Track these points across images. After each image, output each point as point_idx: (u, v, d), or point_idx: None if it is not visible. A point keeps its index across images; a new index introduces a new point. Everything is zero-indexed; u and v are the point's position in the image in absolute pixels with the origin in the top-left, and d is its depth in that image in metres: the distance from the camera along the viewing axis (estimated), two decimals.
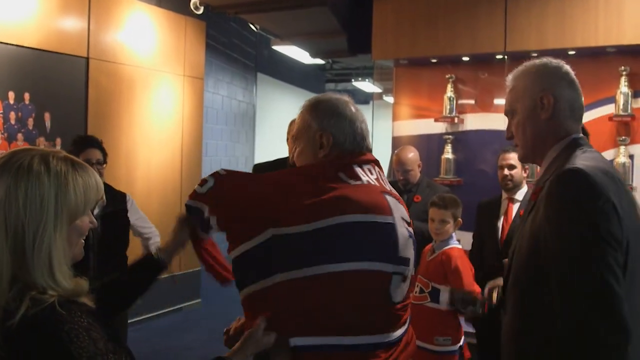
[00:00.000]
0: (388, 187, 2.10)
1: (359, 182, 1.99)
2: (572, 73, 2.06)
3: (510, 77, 2.14)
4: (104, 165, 4.14)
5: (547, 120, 2.00)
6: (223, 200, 2.00)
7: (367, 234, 1.90)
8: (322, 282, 1.85)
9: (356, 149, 2.07)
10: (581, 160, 1.85)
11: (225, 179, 2.04)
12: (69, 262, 1.55)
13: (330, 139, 2.05)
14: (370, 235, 1.90)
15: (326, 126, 2.06)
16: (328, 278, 1.85)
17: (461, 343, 3.84)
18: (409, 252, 2.01)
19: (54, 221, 1.49)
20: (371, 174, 2.06)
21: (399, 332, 1.99)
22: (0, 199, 1.48)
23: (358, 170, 2.02)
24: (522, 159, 2.14)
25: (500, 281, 2.35)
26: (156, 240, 4.62)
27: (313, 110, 2.11)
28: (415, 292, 3.82)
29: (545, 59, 2.09)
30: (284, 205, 1.92)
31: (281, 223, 1.89)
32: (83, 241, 1.63)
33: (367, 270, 1.89)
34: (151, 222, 4.63)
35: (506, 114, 2.13)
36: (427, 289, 3.80)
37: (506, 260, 2.35)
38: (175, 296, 7.51)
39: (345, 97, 2.16)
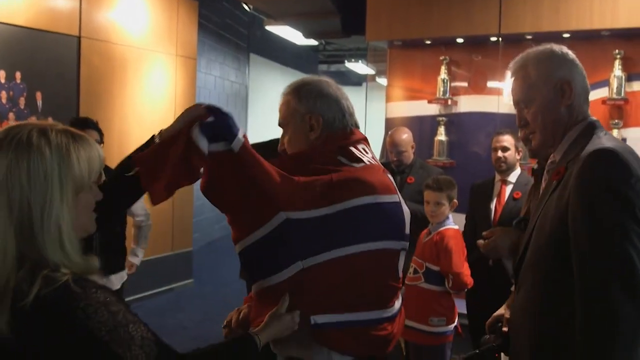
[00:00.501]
0: (381, 165, 2.15)
1: (362, 164, 2.02)
2: (575, 57, 2.07)
3: (515, 66, 2.10)
4: (101, 145, 4.19)
5: (567, 107, 1.99)
6: (229, 181, 1.91)
7: (379, 215, 1.96)
8: (341, 264, 1.89)
9: (346, 127, 2.09)
10: (607, 141, 1.86)
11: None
12: (78, 234, 1.51)
13: (319, 119, 2.06)
14: (382, 215, 1.97)
15: (313, 108, 2.07)
16: (347, 260, 1.90)
17: (456, 323, 3.86)
18: (409, 228, 2.10)
19: (59, 194, 1.45)
20: (367, 152, 2.09)
21: (398, 304, 2.08)
22: (3, 176, 1.43)
23: (355, 151, 2.05)
24: (541, 146, 2.07)
25: (502, 311, 2.36)
26: (148, 224, 4.71)
27: (297, 94, 2.11)
28: (410, 273, 3.83)
29: (548, 46, 2.08)
30: (294, 188, 1.90)
31: (293, 207, 1.87)
32: (94, 212, 1.58)
33: (381, 250, 1.96)
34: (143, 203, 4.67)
35: (517, 104, 2.09)
36: (422, 269, 3.81)
37: (480, 242, 2.37)
38: (167, 276, 7.52)
39: (326, 78, 2.18)
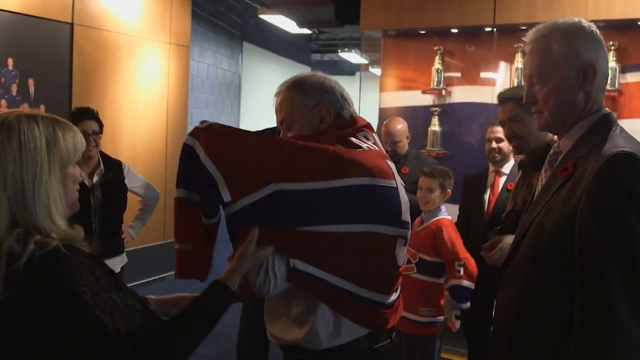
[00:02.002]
0: (384, 151, 2.15)
1: (359, 150, 2.01)
2: (602, 39, 1.88)
3: (536, 34, 1.90)
4: (100, 136, 4.29)
5: (586, 93, 1.83)
6: (222, 148, 1.93)
7: (373, 198, 1.93)
8: (328, 239, 1.88)
9: (352, 115, 2.13)
10: (625, 142, 1.73)
11: (220, 128, 1.98)
12: (65, 205, 1.65)
13: (330, 110, 2.08)
14: (377, 198, 1.93)
15: (321, 100, 2.08)
16: (335, 237, 1.89)
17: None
18: (408, 216, 2.06)
19: (48, 166, 1.60)
20: (368, 139, 2.09)
21: (394, 296, 2.06)
22: None
23: (354, 140, 2.05)
24: (544, 128, 1.95)
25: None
26: (154, 195, 4.77)
27: (300, 89, 2.11)
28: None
29: (576, 19, 1.88)
30: (289, 161, 1.90)
31: (286, 178, 1.87)
32: (77, 192, 1.72)
33: (373, 233, 1.93)
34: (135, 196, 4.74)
35: (528, 77, 1.92)
36: (415, 259, 3.82)
37: (483, 254, 2.26)
38: (160, 265, 7.51)
39: (320, 73, 2.19)
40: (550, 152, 1.96)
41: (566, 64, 1.82)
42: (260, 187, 1.86)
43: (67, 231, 1.60)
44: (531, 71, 1.90)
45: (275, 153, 1.91)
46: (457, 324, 3.80)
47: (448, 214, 3.96)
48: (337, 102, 2.10)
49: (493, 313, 2.12)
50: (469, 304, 3.76)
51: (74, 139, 1.67)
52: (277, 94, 2.15)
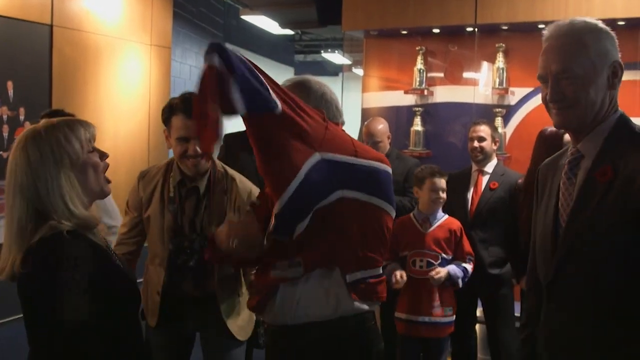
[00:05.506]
0: None
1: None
2: None
3: (562, 32, 1.87)
4: None
5: (611, 92, 1.86)
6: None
7: (387, 182, 2.22)
8: (372, 211, 2.16)
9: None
10: None
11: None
12: (92, 197, 1.96)
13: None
14: (388, 183, 2.23)
15: (319, 104, 2.25)
16: (375, 210, 2.16)
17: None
18: None
19: (57, 169, 1.84)
20: None
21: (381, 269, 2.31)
22: (13, 166, 1.85)
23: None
24: (564, 126, 1.92)
25: None
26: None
27: (305, 89, 2.28)
28: (421, 267, 3.83)
29: (593, 20, 1.89)
30: (325, 134, 2.08)
31: (325, 149, 2.05)
32: (104, 176, 2.01)
33: (389, 213, 2.23)
34: (117, 198, 4.69)
35: (558, 73, 1.85)
36: (437, 261, 3.84)
37: None
38: (139, 270, 7.45)
39: (321, 82, 2.36)
40: (569, 157, 1.92)
41: (600, 63, 1.83)
42: (305, 159, 2.01)
43: (84, 217, 1.87)
44: (562, 66, 1.84)
45: (313, 129, 2.05)
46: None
47: None
48: (331, 113, 2.26)
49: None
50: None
51: (77, 137, 1.90)
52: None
